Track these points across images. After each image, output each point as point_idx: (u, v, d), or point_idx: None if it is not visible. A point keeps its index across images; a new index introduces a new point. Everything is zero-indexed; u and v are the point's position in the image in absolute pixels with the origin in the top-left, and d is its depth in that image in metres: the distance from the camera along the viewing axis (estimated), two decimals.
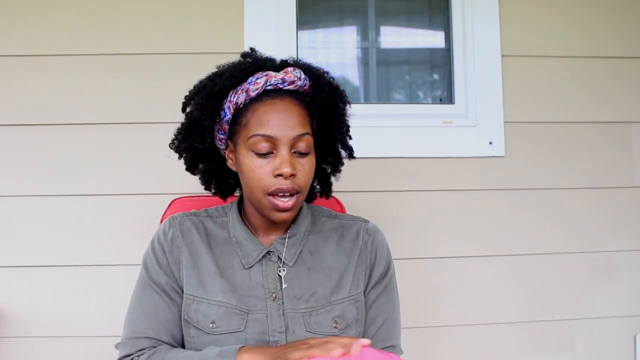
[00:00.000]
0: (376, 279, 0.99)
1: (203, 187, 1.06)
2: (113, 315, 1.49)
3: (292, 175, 0.86)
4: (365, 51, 1.79)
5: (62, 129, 1.54)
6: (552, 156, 1.65)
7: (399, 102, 1.78)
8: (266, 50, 1.58)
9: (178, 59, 1.56)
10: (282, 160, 0.86)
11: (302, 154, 0.89)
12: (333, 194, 1.19)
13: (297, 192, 0.89)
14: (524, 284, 1.63)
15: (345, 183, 1.08)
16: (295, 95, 0.91)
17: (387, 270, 1.00)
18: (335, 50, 1.79)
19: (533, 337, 1.63)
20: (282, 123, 0.87)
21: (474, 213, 1.63)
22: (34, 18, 1.54)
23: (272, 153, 0.87)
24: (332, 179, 1.05)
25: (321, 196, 1.05)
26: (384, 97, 1.78)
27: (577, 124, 1.67)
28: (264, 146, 0.87)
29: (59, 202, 1.52)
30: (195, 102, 0.94)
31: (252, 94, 0.89)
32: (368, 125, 1.60)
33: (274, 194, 0.87)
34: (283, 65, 0.95)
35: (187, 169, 1.03)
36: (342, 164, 1.03)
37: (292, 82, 0.90)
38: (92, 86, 1.55)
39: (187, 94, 0.97)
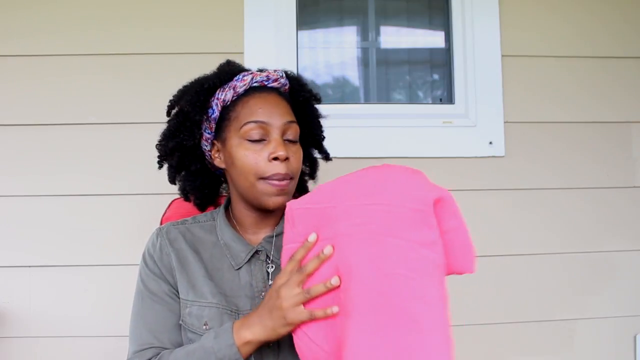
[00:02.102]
0: None
1: (183, 197, 1.07)
2: (113, 315, 1.50)
3: (287, 158, 0.90)
4: (365, 51, 1.79)
5: (62, 129, 1.54)
6: (552, 156, 1.65)
7: (399, 102, 1.78)
8: (266, 50, 1.60)
9: (178, 59, 1.56)
10: (276, 144, 0.89)
11: (292, 142, 0.93)
12: None
13: (291, 178, 0.92)
14: (524, 284, 1.63)
15: None
16: (278, 92, 0.97)
17: None
18: (335, 50, 1.79)
19: (533, 337, 1.63)
20: (273, 111, 0.91)
21: (474, 213, 1.63)
22: (34, 18, 1.54)
23: (265, 140, 0.91)
24: (310, 183, 1.09)
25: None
26: (384, 97, 1.78)
27: (577, 124, 1.67)
28: (257, 132, 0.90)
29: (59, 202, 1.52)
30: (184, 100, 0.97)
31: (240, 90, 0.94)
32: (368, 125, 1.60)
33: (270, 178, 0.89)
34: (261, 71, 0.99)
35: (170, 180, 1.04)
36: (318, 168, 1.09)
37: (275, 80, 0.96)
38: (92, 86, 1.55)
39: (172, 98, 1.00)
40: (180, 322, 0.93)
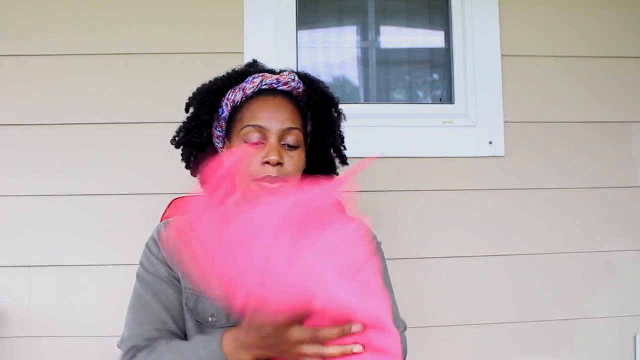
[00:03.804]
0: None
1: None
2: (113, 315, 1.49)
3: (279, 164, 0.91)
4: (365, 51, 1.79)
5: (62, 129, 1.54)
6: (552, 156, 1.65)
7: (399, 102, 1.78)
8: (266, 50, 1.60)
9: (178, 59, 1.56)
10: (270, 149, 0.91)
11: (291, 147, 0.94)
12: None
13: (285, 181, 0.92)
14: (524, 284, 1.63)
15: None
16: (289, 95, 0.98)
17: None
18: (335, 50, 1.79)
19: (533, 337, 1.63)
20: (273, 116, 0.93)
21: (474, 213, 1.63)
22: (34, 18, 1.54)
23: (263, 144, 0.93)
24: None
25: None
26: (384, 97, 1.78)
27: (577, 124, 1.67)
28: (254, 136, 0.93)
29: (59, 202, 1.52)
30: (196, 100, 1.00)
31: (249, 92, 0.96)
32: (368, 125, 1.60)
33: (261, 180, 0.91)
34: (275, 73, 1.01)
35: (186, 167, 1.06)
36: (337, 173, 1.07)
37: (286, 83, 0.97)
38: (92, 86, 1.55)
39: (191, 95, 1.03)
40: (185, 306, 0.94)
